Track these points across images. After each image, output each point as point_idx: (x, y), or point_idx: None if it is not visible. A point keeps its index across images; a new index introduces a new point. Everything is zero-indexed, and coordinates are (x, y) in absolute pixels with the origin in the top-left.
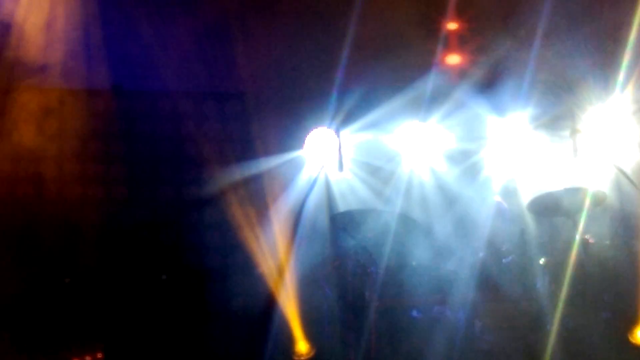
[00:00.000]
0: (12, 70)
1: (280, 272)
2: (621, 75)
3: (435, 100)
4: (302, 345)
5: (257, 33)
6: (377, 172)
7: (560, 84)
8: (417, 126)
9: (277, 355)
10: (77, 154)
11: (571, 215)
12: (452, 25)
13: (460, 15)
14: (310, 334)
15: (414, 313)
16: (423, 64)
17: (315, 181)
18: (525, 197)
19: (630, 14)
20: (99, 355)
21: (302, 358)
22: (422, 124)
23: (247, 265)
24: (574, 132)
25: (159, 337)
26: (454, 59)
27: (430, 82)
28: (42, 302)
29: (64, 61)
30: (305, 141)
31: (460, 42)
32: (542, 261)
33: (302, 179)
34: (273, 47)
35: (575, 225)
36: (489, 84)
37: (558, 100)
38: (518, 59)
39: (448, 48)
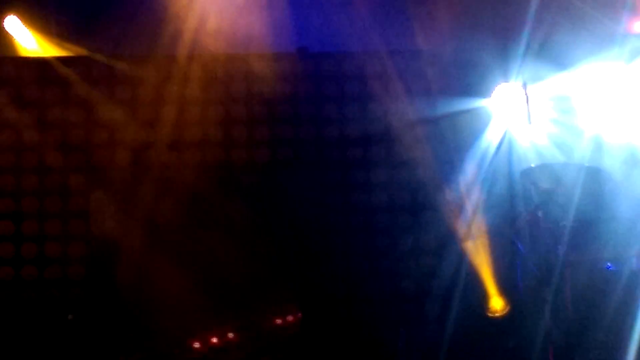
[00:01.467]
0: (196, 38)
1: (470, 228)
2: None
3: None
4: (496, 302)
5: None
6: (566, 126)
7: None
8: (608, 75)
9: (471, 311)
10: (265, 117)
11: None
12: None
13: None
14: (504, 290)
15: (609, 266)
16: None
17: (503, 135)
18: None
19: None
20: (299, 315)
21: (497, 314)
22: (614, 73)
23: (435, 222)
24: None
25: (350, 295)
26: None
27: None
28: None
29: (248, 26)
30: (492, 95)
31: None
32: None
33: (489, 133)
34: (455, 1)
35: None
36: None
37: None
38: None
39: None
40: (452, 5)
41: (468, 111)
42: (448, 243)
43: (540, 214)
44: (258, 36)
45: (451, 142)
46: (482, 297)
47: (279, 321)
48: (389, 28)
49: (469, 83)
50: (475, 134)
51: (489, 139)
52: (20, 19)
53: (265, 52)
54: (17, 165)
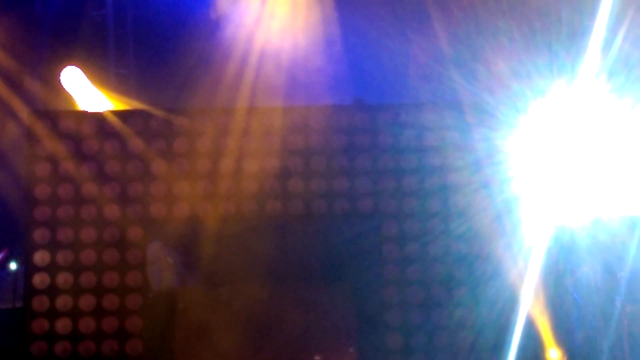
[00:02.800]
0: (255, 91)
1: (525, 279)
2: None
3: None
4: (553, 352)
5: (498, 38)
6: (626, 174)
7: None
8: None
9: None
10: (322, 170)
11: None
12: None
13: None
14: (561, 341)
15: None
16: None
17: (559, 185)
18: None
19: None
20: None
21: None
22: None
23: (493, 273)
24: None
25: (406, 345)
26: None
27: None
28: None
29: (306, 79)
30: (551, 140)
31: None
32: None
33: (546, 181)
34: (514, 50)
35: None
36: None
37: None
38: None
39: None
40: (504, 55)
41: (526, 158)
42: (505, 294)
43: (597, 265)
44: (314, 88)
45: (508, 191)
46: (539, 347)
47: None
48: (446, 79)
49: (527, 130)
50: (533, 181)
51: (546, 188)
52: (80, 72)
53: (322, 104)
54: (76, 218)
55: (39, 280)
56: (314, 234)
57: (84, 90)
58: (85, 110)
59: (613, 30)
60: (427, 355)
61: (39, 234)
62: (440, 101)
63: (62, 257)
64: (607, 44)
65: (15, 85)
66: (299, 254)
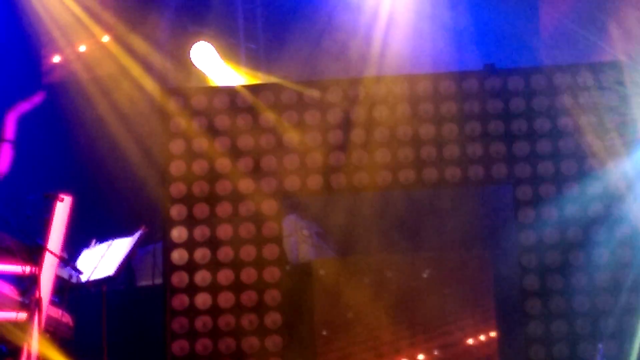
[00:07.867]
0: (382, 60)
1: None
2: None
3: None
4: None
5: None
6: None
7: None
8: None
9: None
10: (454, 136)
11: None
12: None
13: None
14: None
15: None
16: None
17: None
18: None
19: None
20: (492, 334)
21: None
22: None
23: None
24: None
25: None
26: None
27: None
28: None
29: (434, 46)
30: None
31: None
32: None
33: None
34: None
35: None
36: None
37: None
38: None
39: None
40: None
41: None
42: None
43: None
44: (444, 55)
45: None
46: None
47: (471, 341)
48: (579, 39)
49: None
50: None
51: None
52: (210, 48)
53: (452, 71)
54: (212, 193)
55: (178, 256)
56: (449, 201)
57: (214, 66)
58: (216, 85)
59: None
60: (567, 319)
61: (176, 211)
62: (574, 63)
63: (199, 232)
64: None
65: (145, 63)
66: (435, 222)
